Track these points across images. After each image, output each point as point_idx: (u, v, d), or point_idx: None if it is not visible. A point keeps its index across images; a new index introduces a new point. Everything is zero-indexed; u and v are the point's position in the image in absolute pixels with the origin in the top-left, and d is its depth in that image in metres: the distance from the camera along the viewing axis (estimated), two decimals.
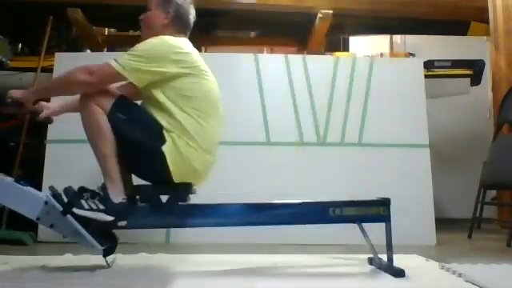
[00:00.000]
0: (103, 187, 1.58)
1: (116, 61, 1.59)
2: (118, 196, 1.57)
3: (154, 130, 1.62)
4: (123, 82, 1.70)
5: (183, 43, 1.71)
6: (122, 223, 1.60)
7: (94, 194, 1.58)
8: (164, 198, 1.75)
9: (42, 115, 1.80)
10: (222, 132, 1.78)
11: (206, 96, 1.70)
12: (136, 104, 1.71)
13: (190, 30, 1.84)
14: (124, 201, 1.58)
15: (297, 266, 1.86)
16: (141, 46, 1.64)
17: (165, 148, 1.60)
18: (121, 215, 1.58)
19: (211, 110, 1.71)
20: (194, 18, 1.84)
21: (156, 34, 1.70)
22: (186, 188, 1.71)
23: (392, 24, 3.70)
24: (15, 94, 1.67)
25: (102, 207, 1.55)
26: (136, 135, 1.60)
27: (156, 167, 1.62)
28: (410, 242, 2.37)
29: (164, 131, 1.61)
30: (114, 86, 1.73)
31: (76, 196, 1.56)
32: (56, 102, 1.88)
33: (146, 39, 1.69)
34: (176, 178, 1.63)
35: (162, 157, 1.59)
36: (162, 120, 1.63)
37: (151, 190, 1.72)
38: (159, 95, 1.63)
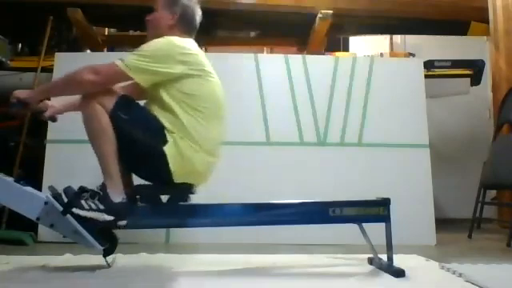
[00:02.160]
0: (103, 187, 1.58)
1: (122, 61, 1.59)
2: (117, 196, 1.57)
3: (156, 130, 1.62)
4: (128, 82, 1.70)
5: (189, 44, 1.71)
6: (122, 223, 1.60)
7: (93, 194, 1.58)
8: (164, 198, 1.75)
9: (47, 114, 1.80)
10: (224, 133, 1.78)
11: (211, 97, 1.70)
12: (138, 104, 1.71)
13: (196, 30, 1.83)
14: (124, 200, 1.58)
15: (297, 266, 1.86)
16: (147, 47, 1.64)
17: (166, 148, 1.60)
18: (120, 215, 1.58)
19: (215, 111, 1.71)
20: (200, 19, 1.83)
21: (162, 35, 1.70)
22: (187, 188, 1.70)
23: (392, 24, 3.70)
24: (20, 94, 1.67)
25: (101, 207, 1.55)
26: (137, 135, 1.60)
27: (157, 168, 1.62)
28: (410, 242, 2.37)
29: (166, 132, 1.61)
30: (119, 86, 1.73)
31: (76, 196, 1.56)
32: (59, 100, 1.87)
33: (152, 39, 1.69)
34: (177, 179, 1.63)
35: (163, 157, 1.59)
36: (165, 120, 1.63)
37: (151, 190, 1.72)
38: (163, 95, 1.64)
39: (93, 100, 1.59)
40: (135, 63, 1.59)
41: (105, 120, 1.57)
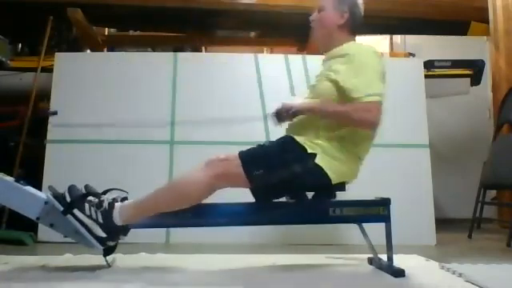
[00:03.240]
0: (111, 204, 1.57)
1: (369, 95, 1.56)
2: (120, 221, 1.57)
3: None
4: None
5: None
6: (111, 243, 1.61)
7: (99, 204, 1.57)
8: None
9: None
10: None
11: None
12: (259, 149, 1.70)
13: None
14: (122, 225, 1.59)
15: (297, 266, 1.86)
16: (363, 66, 1.61)
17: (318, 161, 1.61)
18: (113, 237, 1.59)
19: None
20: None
21: (331, 35, 1.73)
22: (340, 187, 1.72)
23: (392, 24, 3.69)
24: (292, 103, 1.70)
25: (100, 221, 1.55)
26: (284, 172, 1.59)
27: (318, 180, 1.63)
28: (410, 241, 2.37)
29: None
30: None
31: (80, 198, 1.56)
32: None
33: (319, 40, 1.75)
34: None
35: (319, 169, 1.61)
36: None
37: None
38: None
39: (211, 169, 1.58)
40: (378, 88, 1.59)
41: (197, 191, 1.58)
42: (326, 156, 1.61)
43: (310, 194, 1.75)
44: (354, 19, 1.77)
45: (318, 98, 1.71)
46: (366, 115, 1.57)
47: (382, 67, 1.65)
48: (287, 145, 1.66)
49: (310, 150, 1.62)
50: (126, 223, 1.60)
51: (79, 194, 1.57)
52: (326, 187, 1.65)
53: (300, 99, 1.78)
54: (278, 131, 2.71)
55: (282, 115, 1.78)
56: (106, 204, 1.57)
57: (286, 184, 1.61)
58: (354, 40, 1.79)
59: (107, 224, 1.55)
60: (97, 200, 1.58)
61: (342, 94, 1.62)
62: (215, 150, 2.56)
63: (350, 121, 1.61)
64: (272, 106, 2.72)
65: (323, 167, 1.60)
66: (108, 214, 1.56)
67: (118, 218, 1.57)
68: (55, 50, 3.05)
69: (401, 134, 2.74)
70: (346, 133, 1.64)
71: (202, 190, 1.58)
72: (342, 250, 2.19)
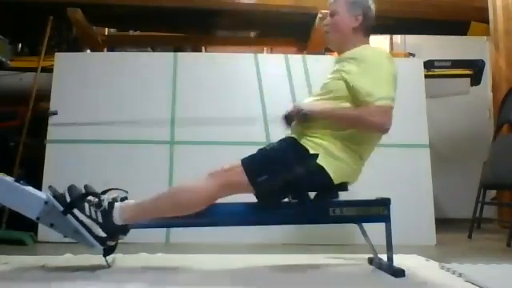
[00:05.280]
0: (111, 203, 1.57)
1: (381, 99, 1.59)
2: (120, 220, 1.58)
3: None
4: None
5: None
6: (111, 243, 1.61)
7: (99, 204, 1.57)
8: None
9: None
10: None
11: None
12: (260, 154, 1.69)
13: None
14: (122, 225, 1.59)
15: (297, 265, 1.86)
16: (378, 70, 1.64)
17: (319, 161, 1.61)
18: (113, 236, 1.59)
19: None
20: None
21: (346, 38, 1.74)
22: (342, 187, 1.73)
23: (392, 24, 3.69)
24: (304, 106, 1.69)
25: (100, 220, 1.55)
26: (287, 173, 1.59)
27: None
28: (410, 242, 2.37)
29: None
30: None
31: (81, 198, 1.56)
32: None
33: (334, 44, 1.76)
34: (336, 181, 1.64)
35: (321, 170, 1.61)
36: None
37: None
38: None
39: (215, 179, 1.60)
40: (390, 92, 1.63)
41: (198, 200, 1.59)
42: (328, 156, 1.61)
43: (312, 194, 1.75)
44: (368, 21, 1.79)
45: (329, 95, 1.71)
46: (377, 120, 1.58)
47: (395, 71, 1.66)
48: (289, 147, 1.66)
49: (312, 151, 1.62)
50: (126, 223, 1.60)
51: (79, 193, 1.57)
52: (328, 187, 1.65)
53: (310, 101, 1.78)
54: (278, 131, 2.73)
55: (291, 118, 1.77)
56: (105, 204, 1.57)
57: (289, 186, 1.61)
58: (368, 42, 1.82)
59: (107, 224, 1.55)
60: (96, 200, 1.58)
61: (354, 94, 1.62)
62: (215, 149, 2.61)
63: (362, 125, 1.62)
64: (272, 106, 2.76)
65: (325, 167, 1.60)
66: (108, 213, 1.56)
67: (117, 218, 1.57)
68: (55, 50, 3.05)
69: (401, 133, 2.73)
70: (351, 133, 1.64)
71: (205, 199, 1.60)
72: (342, 250, 2.19)
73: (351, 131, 1.64)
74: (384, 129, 1.61)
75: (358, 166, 1.70)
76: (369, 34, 1.82)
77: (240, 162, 1.63)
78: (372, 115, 1.57)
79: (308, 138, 1.66)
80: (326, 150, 1.62)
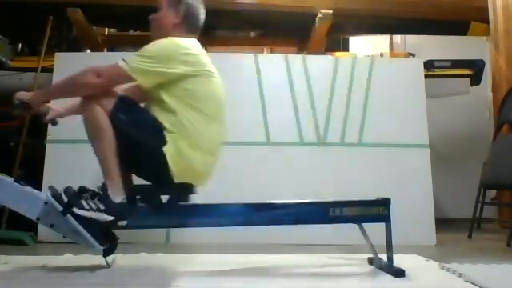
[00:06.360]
0: (103, 187, 1.58)
1: (125, 62, 1.59)
2: (118, 196, 1.57)
3: (155, 130, 1.62)
4: (131, 84, 1.69)
5: (192, 44, 1.71)
6: (122, 223, 1.60)
7: (93, 194, 1.58)
8: (165, 198, 1.75)
9: (48, 117, 1.80)
10: (225, 133, 1.78)
11: (212, 97, 1.70)
12: (138, 104, 1.71)
13: (200, 29, 1.82)
14: (124, 201, 1.58)
15: (297, 265, 1.86)
16: (150, 47, 1.64)
17: (165, 149, 1.60)
18: (121, 215, 1.58)
19: (216, 111, 1.71)
20: (204, 18, 1.82)
21: (166, 34, 1.70)
22: (187, 188, 1.70)
23: (392, 24, 3.70)
24: (23, 95, 1.66)
25: (102, 207, 1.55)
26: (137, 136, 1.60)
27: (156, 168, 1.61)
28: (410, 242, 2.37)
29: (165, 132, 1.61)
30: (121, 88, 1.72)
31: (76, 196, 1.56)
32: (60, 103, 1.87)
33: (156, 39, 1.68)
34: (177, 179, 1.63)
35: (162, 157, 1.59)
36: (165, 121, 1.62)
37: (151, 190, 1.72)
38: (164, 96, 1.63)
39: (93, 102, 1.59)
40: (138, 64, 1.59)
41: (105, 121, 1.57)
42: (173, 147, 1.60)
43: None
44: (190, 19, 1.76)
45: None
46: (87, 78, 1.58)
47: (176, 50, 1.63)
48: (155, 122, 1.63)
49: (166, 136, 1.61)
50: (119, 188, 1.58)
51: (74, 192, 1.58)
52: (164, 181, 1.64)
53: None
54: (278, 131, 2.74)
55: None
56: (98, 190, 1.58)
57: (128, 148, 1.59)
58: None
59: (109, 206, 1.55)
60: (90, 192, 1.59)
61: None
62: None
63: (74, 86, 1.62)
64: (272, 106, 2.76)
65: (168, 159, 1.59)
66: (105, 196, 1.56)
67: (114, 195, 1.56)
68: (55, 50, 3.05)
69: (401, 134, 2.74)
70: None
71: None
72: (342, 250, 2.19)
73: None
74: (95, 85, 1.59)
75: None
76: (194, 32, 1.78)
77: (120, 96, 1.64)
78: (90, 72, 1.59)
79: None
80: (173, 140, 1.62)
